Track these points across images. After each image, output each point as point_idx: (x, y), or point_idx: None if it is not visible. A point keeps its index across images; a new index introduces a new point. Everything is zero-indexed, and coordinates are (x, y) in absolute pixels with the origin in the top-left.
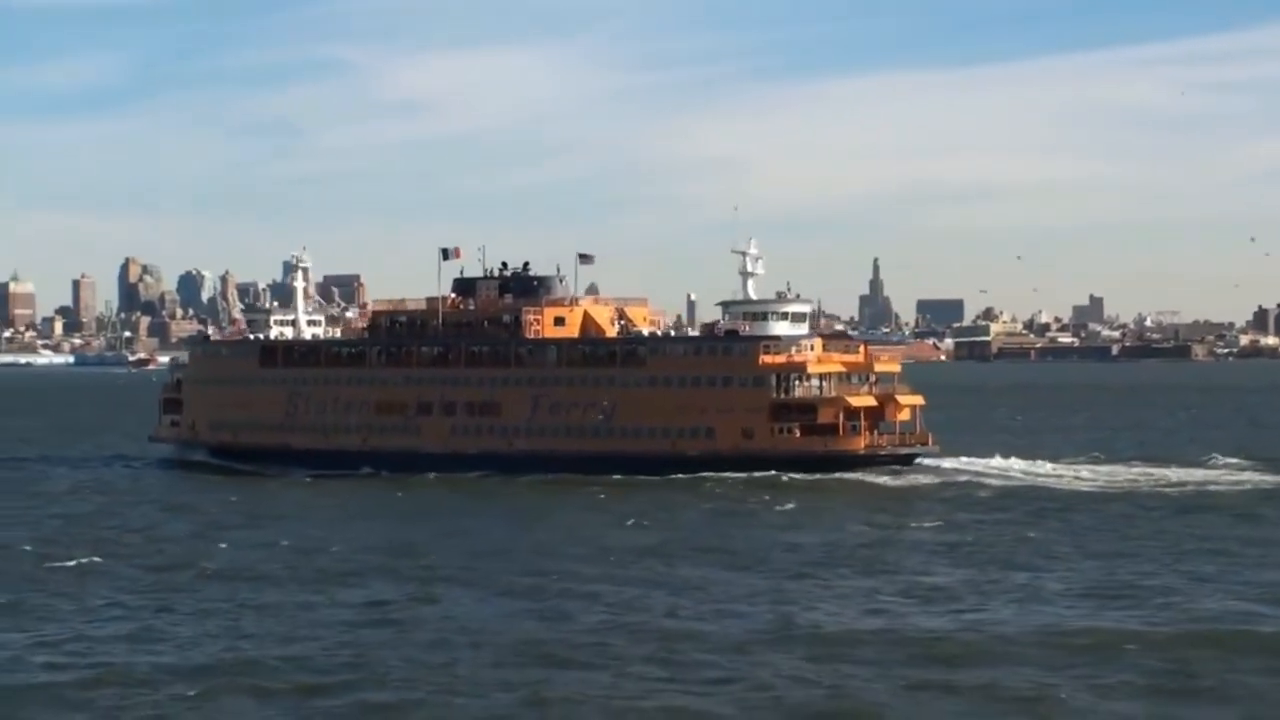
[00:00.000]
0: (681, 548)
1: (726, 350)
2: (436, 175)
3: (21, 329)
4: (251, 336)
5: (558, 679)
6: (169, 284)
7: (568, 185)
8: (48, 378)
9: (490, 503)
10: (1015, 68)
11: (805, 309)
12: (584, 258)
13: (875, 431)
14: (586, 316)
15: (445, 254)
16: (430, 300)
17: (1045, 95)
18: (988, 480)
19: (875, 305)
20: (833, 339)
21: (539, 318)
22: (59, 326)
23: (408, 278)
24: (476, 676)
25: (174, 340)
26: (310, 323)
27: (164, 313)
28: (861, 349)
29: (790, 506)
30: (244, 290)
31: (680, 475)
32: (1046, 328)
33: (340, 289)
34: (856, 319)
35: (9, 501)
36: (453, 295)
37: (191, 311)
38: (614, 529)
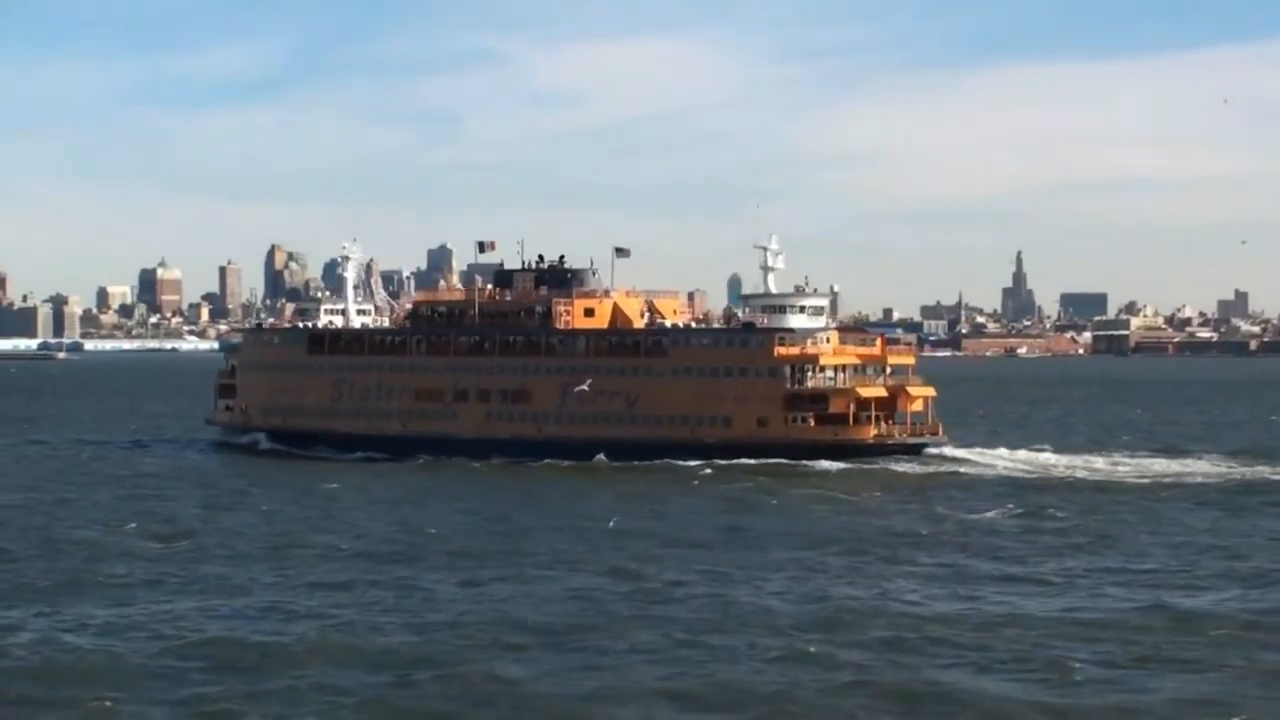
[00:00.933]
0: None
1: (744, 342)
2: (588, 164)
3: (169, 315)
4: (300, 325)
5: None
6: (314, 271)
7: (719, 174)
8: (194, 363)
9: (601, 487)
10: (1164, 59)
11: (822, 302)
12: (620, 251)
13: (889, 421)
14: (616, 308)
15: (481, 247)
16: (469, 290)
17: (1194, 88)
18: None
19: (1018, 298)
20: (849, 332)
21: (569, 309)
22: (205, 313)
23: None
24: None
25: None
26: (360, 312)
27: (309, 299)
28: (878, 341)
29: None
30: (388, 278)
31: (697, 462)
32: (1187, 322)
33: (484, 278)
34: (999, 311)
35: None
36: (491, 286)
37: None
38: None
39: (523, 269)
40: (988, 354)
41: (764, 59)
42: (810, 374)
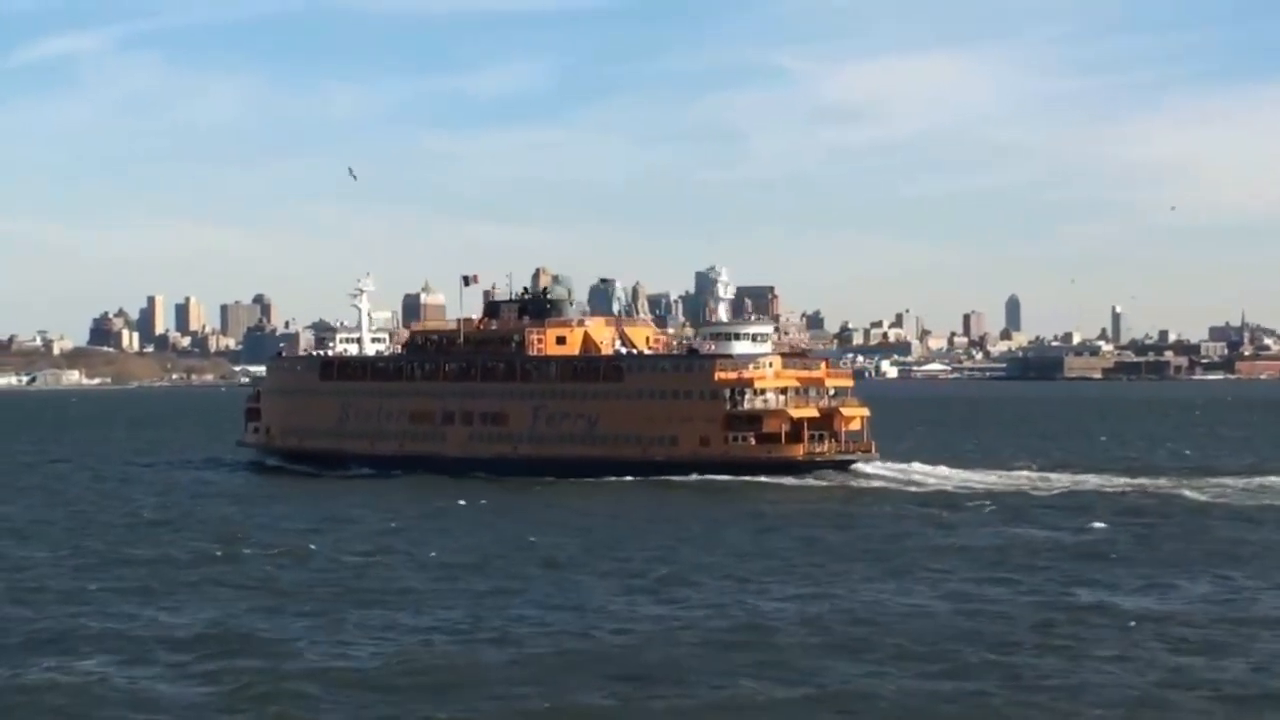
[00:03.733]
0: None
1: (688, 367)
2: (872, 183)
3: None
4: (316, 353)
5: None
6: (580, 294)
7: (1007, 191)
8: None
9: (630, 506)
10: None
11: (766, 330)
12: (605, 281)
13: (825, 439)
14: (587, 336)
15: (466, 281)
16: (459, 321)
17: None
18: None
19: None
20: (791, 357)
21: (542, 337)
22: None
23: (822, 289)
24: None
25: None
26: (374, 340)
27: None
28: (821, 365)
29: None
30: (655, 301)
31: (647, 478)
32: None
33: (754, 300)
34: None
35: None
36: (481, 317)
37: None
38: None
39: (509, 300)
40: (1262, 376)
41: (1051, 73)
42: (749, 396)
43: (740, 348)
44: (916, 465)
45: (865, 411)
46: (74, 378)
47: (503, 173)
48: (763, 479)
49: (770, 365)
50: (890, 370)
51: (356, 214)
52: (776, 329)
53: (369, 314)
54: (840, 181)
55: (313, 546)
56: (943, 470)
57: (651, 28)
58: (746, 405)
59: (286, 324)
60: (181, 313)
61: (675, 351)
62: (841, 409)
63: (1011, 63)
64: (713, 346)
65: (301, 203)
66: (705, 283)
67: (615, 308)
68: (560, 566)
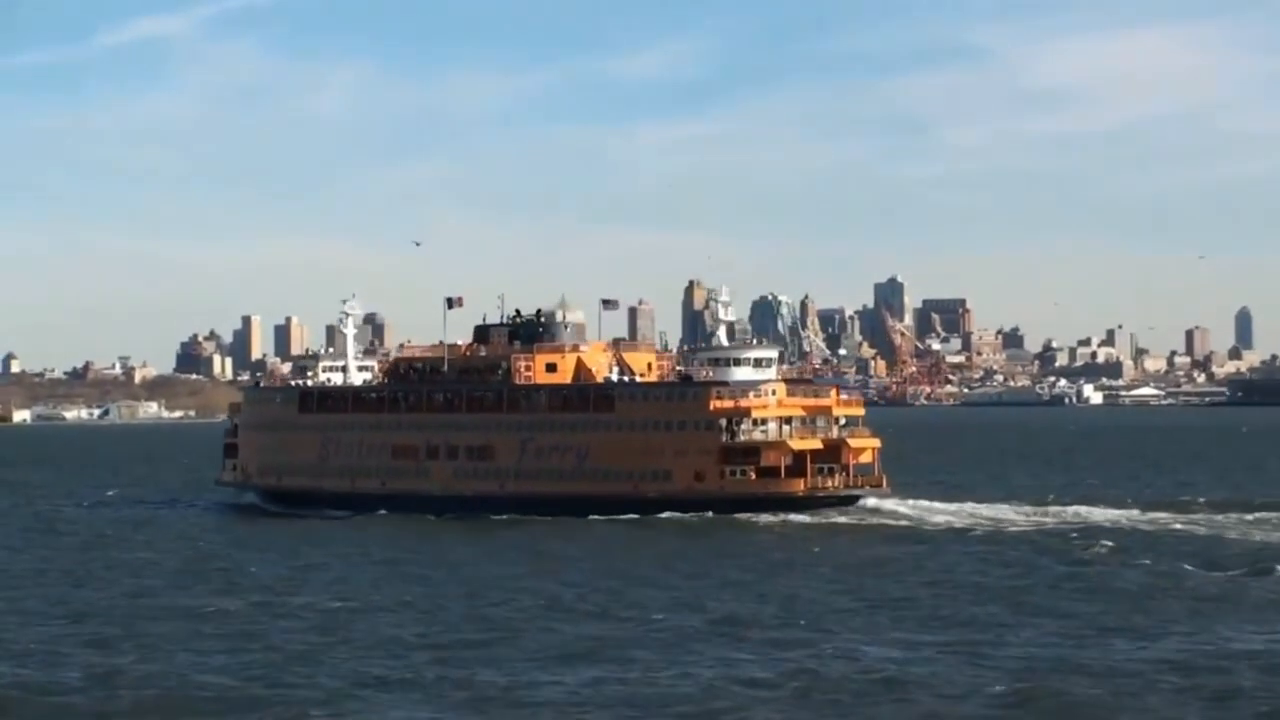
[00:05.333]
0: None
1: (681, 395)
2: (1080, 179)
3: None
4: (294, 383)
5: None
6: (741, 311)
7: (1237, 187)
8: None
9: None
10: None
11: (770, 354)
12: (607, 303)
13: (831, 473)
14: (580, 362)
15: (450, 303)
16: (441, 347)
17: None
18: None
19: None
20: (798, 384)
21: (530, 364)
22: None
23: (1021, 302)
24: None
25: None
26: (361, 369)
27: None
28: (832, 392)
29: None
30: (827, 318)
31: (638, 515)
32: None
33: (942, 315)
34: None
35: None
36: (469, 342)
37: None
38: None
39: (498, 323)
40: None
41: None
42: (747, 426)
43: (740, 374)
44: (929, 503)
45: (876, 442)
46: (152, 410)
47: (655, 171)
48: (765, 517)
49: (773, 393)
50: (1094, 396)
51: (484, 222)
52: (781, 354)
53: (354, 339)
54: (1043, 178)
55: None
56: (968, 506)
57: (828, 1)
58: (743, 436)
59: (401, 346)
60: (281, 334)
61: (670, 378)
62: (850, 440)
63: (1238, 41)
64: (709, 373)
65: (420, 209)
66: (887, 296)
67: (780, 326)
68: None
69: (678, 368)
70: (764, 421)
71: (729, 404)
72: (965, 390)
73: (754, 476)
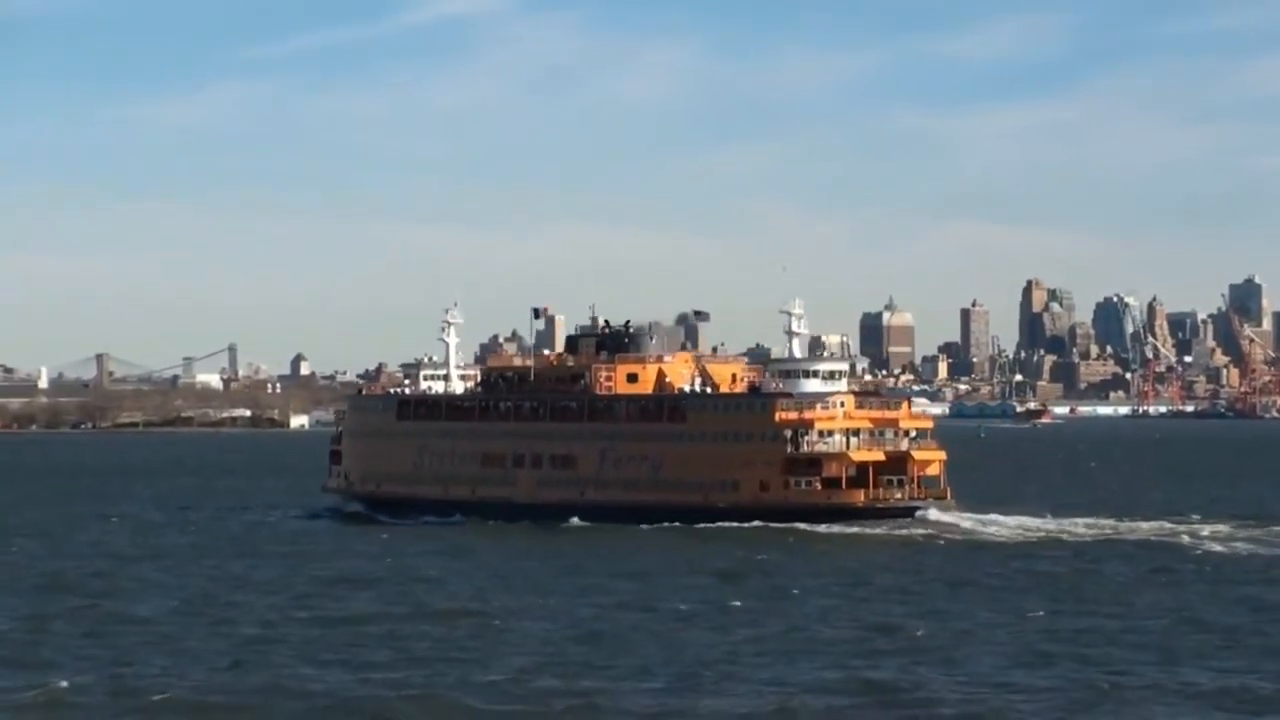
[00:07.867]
0: None
1: (748, 407)
2: None
3: (897, 371)
4: (393, 390)
5: None
6: (1083, 315)
7: None
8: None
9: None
10: None
11: (840, 366)
12: (699, 314)
13: (895, 485)
14: (660, 373)
15: (536, 313)
16: (536, 356)
17: None
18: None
19: None
20: (867, 395)
21: (611, 374)
22: (942, 368)
23: None
24: None
25: (1082, 386)
26: (463, 377)
27: (1074, 350)
28: (902, 405)
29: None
30: (1177, 322)
31: (708, 525)
32: None
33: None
34: None
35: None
36: (560, 351)
37: (1110, 350)
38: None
39: (588, 333)
40: None
41: None
42: (811, 437)
43: (809, 386)
44: (993, 515)
45: (942, 455)
46: None
47: (996, 159)
48: (823, 528)
49: (841, 404)
50: None
51: (811, 213)
52: (852, 366)
53: (457, 347)
54: None
55: None
56: (1029, 521)
57: None
58: (807, 448)
59: (714, 349)
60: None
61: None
62: (915, 453)
63: None
64: (779, 385)
65: (743, 200)
66: (1243, 298)
67: (1127, 330)
68: None
69: (748, 379)
70: (829, 433)
71: (794, 415)
72: None
73: (819, 487)
